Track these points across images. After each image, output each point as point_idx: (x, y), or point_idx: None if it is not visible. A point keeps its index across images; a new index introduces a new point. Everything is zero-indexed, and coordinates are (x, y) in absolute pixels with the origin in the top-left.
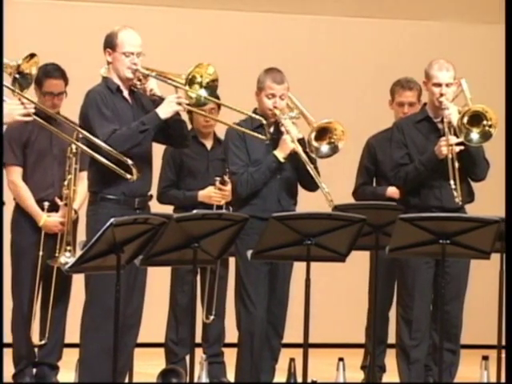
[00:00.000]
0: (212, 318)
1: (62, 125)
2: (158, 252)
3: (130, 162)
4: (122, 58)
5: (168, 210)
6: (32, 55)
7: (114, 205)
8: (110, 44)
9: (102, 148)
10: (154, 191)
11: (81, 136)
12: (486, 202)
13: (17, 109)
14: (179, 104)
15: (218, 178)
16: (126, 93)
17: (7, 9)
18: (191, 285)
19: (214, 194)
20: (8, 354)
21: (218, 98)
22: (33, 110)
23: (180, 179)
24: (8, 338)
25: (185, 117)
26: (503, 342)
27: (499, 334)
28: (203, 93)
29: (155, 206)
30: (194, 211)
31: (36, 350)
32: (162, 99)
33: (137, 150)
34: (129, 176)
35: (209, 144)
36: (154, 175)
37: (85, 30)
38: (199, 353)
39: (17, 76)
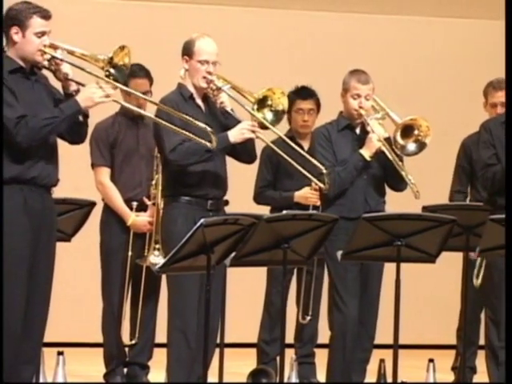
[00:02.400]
0: (308, 318)
1: (147, 125)
2: (248, 252)
3: (209, 129)
4: (198, 67)
5: (265, 210)
6: (122, 47)
7: (186, 205)
8: (187, 51)
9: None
10: (233, 195)
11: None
12: None
13: (96, 92)
14: (252, 132)
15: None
16: (199, 100)
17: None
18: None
19: (311, 194)
20: (99, 353)
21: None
22: (112, 91)
23: (277, 180)
24: (99, 338)
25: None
26: None
27: None
28: (269, 116)
29: (252, 207)
30: (284, 212)
31: (127, 349)
32: (231, 115)
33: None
34: (209, 144)
35: (306, 144)
36: (242, 177)
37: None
38: (290, 353)
39: (111, 70)
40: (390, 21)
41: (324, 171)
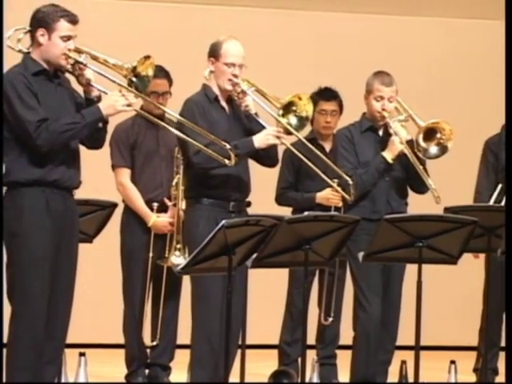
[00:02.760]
0: (330, 319)
1: (169, 125)
2: (270, 254)
3: (228, 146)
4: (224, 69)
5: (287, 211)
6: (147, 57)
7: (208, 207)
8: (213, 53)
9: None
10: (254, 197)
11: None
12: None
13: (119, 100)
14: (277, 138)
15: (336, 180)
16: (223, 102)
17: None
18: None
19: (332, 195)
20: (121, 354)
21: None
22: (134, 100)
23: (298, 181)
24: (120, 339)
25: None
26: None
27: None
28: (294, 121)
29: (274, 208)
30: (306, 213)
31: (148, 351)
32: (255, 119)
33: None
34: (227, 161)
35: (328, 146)
36: (264, 178)
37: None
38: (311, 355)
39: (133, 79)
40: (414, 22)
41: (350, 182)
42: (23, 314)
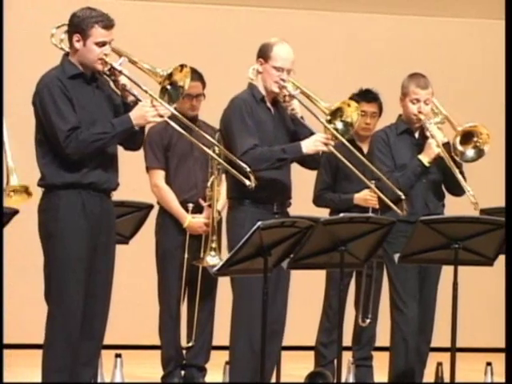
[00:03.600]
0: (368, 321)
1: (201, 128)
2: (305, 255)
3: (248, 169)
4: (272, 72)
5: (324, 212)
6: (183, 66)
7: (252, 209)
8: (263, 54)
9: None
10: (292, 198)
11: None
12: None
13: (149, 111)
14: (325, 145)
15: (373, 182)
16: (269, 103)
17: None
18: (344, 288)
19: (370, 197)
20: (157, 356)
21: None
22: (165, 112)
23: (336, 182)
24: (156, 340)
25: None
26: None
27: None
28: (340, 126)
29: (312, 209)
30: (341, 214)
31: (184, 352)
32: (301, 122)
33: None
34: (247, 182)
35: (365, 147)
36: (302, 179)
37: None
38: (348, 356)
39: (168, 87)
40: (451, 24)
41: (403, 197)
42: (58, 315)
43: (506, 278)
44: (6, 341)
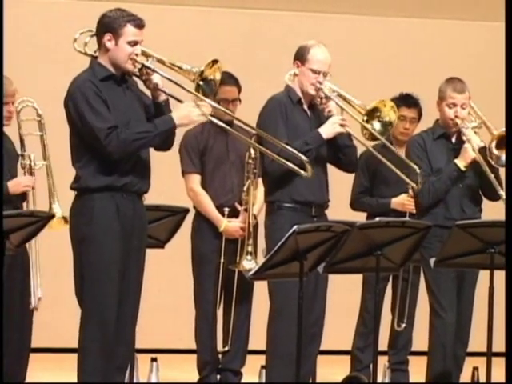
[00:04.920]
0: (404, 325)
1: (238, 130)
2: (341, 259)
3: (304, 158)
4: (309, 74)
5: (361, 216)
6: (214, 61)
7: (290, 212)
8: (300, 57)
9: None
10: (331, 200)
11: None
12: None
13: (193, 110)
14: (342, 126)
15: (411, 186)
16: (306, 105)
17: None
18: (380, 292)
19: (407, 201)
20: (192, 360)
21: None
22: (209, 110)
23: (374, 186)
24: (192, 344)
25: None
26: None
27: None
28: (377, 126)
29: (348, 214)
30: (377, 219)
31: (220, 356)
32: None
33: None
34: (303, 173)
35: (402, 152)
36: (339, 183)
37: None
38: (383, 360)
39: (200, 83)
40: (488, 27)
41: (418, 171)
42: (93, 318)
43: (506, 278)
44: (38, 345)
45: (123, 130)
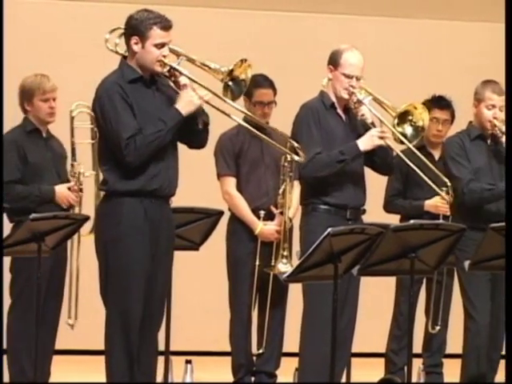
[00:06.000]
0: (438, 328)
1: (271, 134)
2: (376, 262)
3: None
4: (342, 79)
5: (395, 219)
6: (243, 60)
7: (325, 215)
8: (333, 61)
9: None
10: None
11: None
12: None
13: (193, 95)
14: (381, 139)
15: (444, 189)
16: (340, 110)
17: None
18: (414, 294)
19: (441, 203)
20: (227, 362)
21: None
22: (205, 92)
23: (407, 188)
24: (227, 346)
25: None
26: None
27: None
28: (409, 130)
29: (382, 216)
30: (411, 221)
31: (254, 358)
32: (371, 128)
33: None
34: (296, 157)
35: (437, 154)
36: (373, 185)
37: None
38: (418, 363)
39: (229, 83)
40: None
41: (448, 184)
42: (118, 320)
43: (506, 278)
44: (66, 347)
45: (139, 137)
